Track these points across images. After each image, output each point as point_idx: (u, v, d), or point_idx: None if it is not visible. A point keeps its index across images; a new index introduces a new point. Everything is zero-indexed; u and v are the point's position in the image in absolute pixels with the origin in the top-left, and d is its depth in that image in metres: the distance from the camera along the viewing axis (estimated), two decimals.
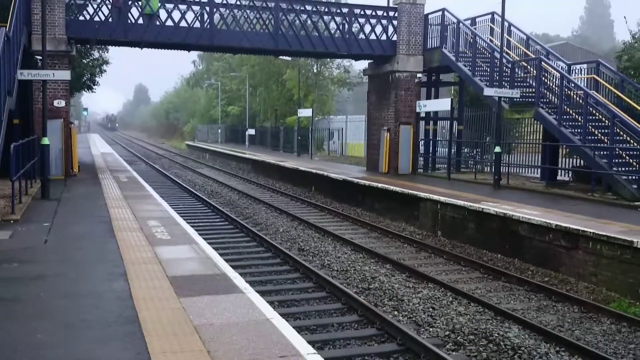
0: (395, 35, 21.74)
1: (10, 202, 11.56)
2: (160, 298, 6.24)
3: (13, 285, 6.72)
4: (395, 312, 8.87)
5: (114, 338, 5.12)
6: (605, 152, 15.45)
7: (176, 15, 19.59)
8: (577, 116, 16.67)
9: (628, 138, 15.56)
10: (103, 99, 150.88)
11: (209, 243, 9.83)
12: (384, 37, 21.73)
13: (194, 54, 65.55)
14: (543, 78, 17.81)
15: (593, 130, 16.08)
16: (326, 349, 7.38)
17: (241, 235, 14.41)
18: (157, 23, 19.51)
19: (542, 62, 18.05)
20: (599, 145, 15.63)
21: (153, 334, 5.19)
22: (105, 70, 27.84)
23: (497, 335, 7.92)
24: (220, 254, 9.00)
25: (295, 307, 9.02)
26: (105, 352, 4.80)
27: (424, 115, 23.01)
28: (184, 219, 12.00)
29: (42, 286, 6.67)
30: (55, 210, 12.22)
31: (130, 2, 19.25)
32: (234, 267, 8.38)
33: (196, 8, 19.74)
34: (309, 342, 5.33)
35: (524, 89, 18.41)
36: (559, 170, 19.13)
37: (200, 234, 10.48)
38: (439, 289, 10.18)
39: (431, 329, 8.18)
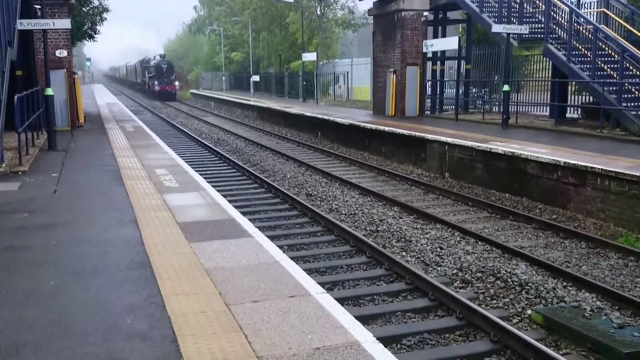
0: None
1: (18, 154, 11.60)
2: (170, 243, 6.31)
3: (24, 234, 6.80)
4: (404, 253, 8.95)
5: (126, 282, 5.20)
6: (614, 88, 15.20)
7: None
8: (586, 52, 16.33)
9: (638, 72, 15.27)
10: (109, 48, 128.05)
11: (217, 190, 9.88)
12: None
13: None
14: (552, 13, 17.38)
15: (602, 65, 15.78)
16: (335, 290, 7.48)
17: (249, 182, 14.45)
18: None
19: None
20: (608, 80, 15.37)
21: (165, 277, 5.27)
22: (106, 19, 27.38)
23: (504, 272, 8.00)
24: (229, 201, 9.04)
25: (304, 251, 9.12)
26: (118, 295, 4.89)
27: (430, 55, 22.61)
28: (192, 167, 12.02)
29: (52, 235, 6.75)
30: (63, 160, 12.27)
31: None
32: (242, 213, 8.44)
33: None
34: (319, 283, 5.39)
35: (533, 25, 17.98)
36: (568, 108, 18.90)
37: (208, 182, 10.54)
38: (446, 229, 10.23)
39: (439, 268, 8.27)
